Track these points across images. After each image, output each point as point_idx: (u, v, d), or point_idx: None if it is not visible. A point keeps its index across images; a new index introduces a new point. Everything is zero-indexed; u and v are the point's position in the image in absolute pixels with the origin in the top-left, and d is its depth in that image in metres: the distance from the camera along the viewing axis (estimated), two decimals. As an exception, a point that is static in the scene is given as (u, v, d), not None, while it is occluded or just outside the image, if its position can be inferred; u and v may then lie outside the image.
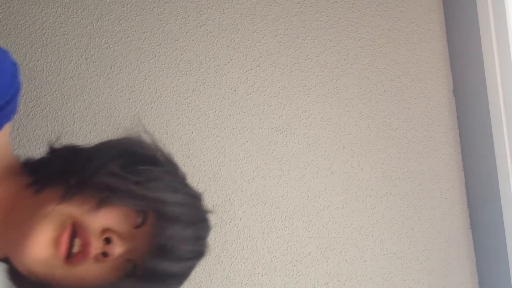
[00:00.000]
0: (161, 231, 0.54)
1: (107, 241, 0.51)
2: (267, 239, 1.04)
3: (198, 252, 0.61)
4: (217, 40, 1.06)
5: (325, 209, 1.06)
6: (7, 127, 0.57)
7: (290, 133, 1.06)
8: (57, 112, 1.00)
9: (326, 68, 1.08)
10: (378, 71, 1.09)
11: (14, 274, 0.55)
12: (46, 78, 1.01)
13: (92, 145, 0.59)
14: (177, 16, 1.05)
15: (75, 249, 0.51)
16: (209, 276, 1.02)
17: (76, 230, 0.51)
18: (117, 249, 0.51)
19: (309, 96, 1.07)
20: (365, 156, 1.07)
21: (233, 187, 1.04)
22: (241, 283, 1.03)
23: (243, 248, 1.03)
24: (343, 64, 1.08)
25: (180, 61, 1.05)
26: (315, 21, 1.09)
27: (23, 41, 1.01)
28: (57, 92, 1.01)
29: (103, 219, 0.52)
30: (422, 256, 1.07)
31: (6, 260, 0.55)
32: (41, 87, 1.00)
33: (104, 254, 0.51)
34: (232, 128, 1.05)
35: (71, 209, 0.51)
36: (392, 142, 1.08)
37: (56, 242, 0.50)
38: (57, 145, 0.59)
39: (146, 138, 0.59)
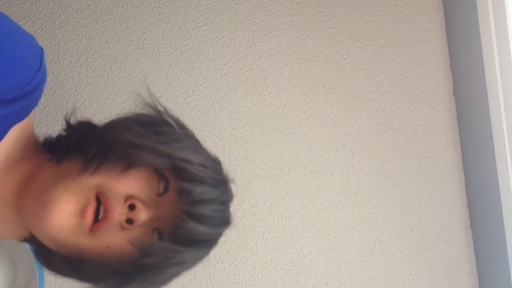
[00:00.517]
0: (186, 194, 0.53)
1: (131, 207, 0.51)
2: (267, 239, 1.04)
3: (223, 217, 0.60)
4: (217, 40, 1.06)
5: (325, 209, 1.06)
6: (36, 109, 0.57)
7: (290, 133, 1.06)
8: (57, 112, 1.00)
9: (326, 68, 1.08)
10: (378, 71, 1.09)
11: (41, 252, 0.55)
12: (46, 78, 1.01)
13: (105, 121, 0.59)
14: (177, 16, 1.05)
15: (100, 216, 0.50)
16: (209, 276, 1.02)
17: (100, 199, 0.50)
18: (142, 215, 0.50)
19: (309, 96, 1.07)
20: (365, 156, 1.07)
21: (233, 187, 1.04)
22: (241, 283, 1.03)
23: (243, 248, 1.03)
24: (343, 64, 1.08)
25: (180, 61, 1.05)
26: (315, 21, 1.09)
27: (23, 41, 1.01)
28: (57, 92, 1.01)
29: (125, 187, 0.51)
30: (422, 256, 1.07)
31: (31, 240, 0.55)
32: (41, 87, 1.00)
33: (129, 221, 0.51)
34: (232, 128, 1.05)
35: (93, 179, 0.51)
36: (392, 142, 1.08)
37: (81, 213, 0.49)
38: (73, 120, 0.59)
39: (159, 108, 0.59)
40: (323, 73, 1.08)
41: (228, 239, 1.03)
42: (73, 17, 1.02)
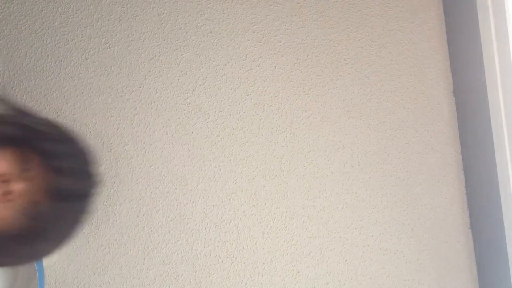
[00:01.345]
0: (43, 157, 0.61)
1: (7, 181, 0.58)
2: (267, 239, 1.04)
3: (83, 170, 0.67)
4: (217, 40, 1.06)
5: (325, 209, 1.06)
6: None
7: (290, 133, 1.06)
8: (57, 112, 1.00)
9: (326, 68, 1.08)
10: (378, 71, 1.09)
11: None
12: (46, 78, 1.01)
13: None
14: (177, 16, 1.05)
15: None
16: (209, 276, 1.02)
17: None
18: (15, 185, 0.58)
19: (309, 96, 1.07)
20: (365, 156, 1.07)
21: (233, 187, 1.04)
22: (241, 283, 1.03)
23: (243, 248, 1.03)
24: (343, 64, 1.08)
25: (180, 61, 1.05)
26: (315, 21, 1.09)
27: (23, 41, 1.01)
28: (57, 92, 1.01)
29: None
30: (422, 256, 1.07)
31: None
32: (41, 87, 1.00)
33: (6, 193, 0.58)
34: (232, 128, 1.05)
35: None
36: (392, 142, 1.08)
37: None
38: None
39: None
40: (323, 73, 1.08)
41: (228, 239, 1.03)
42: (73, 17, 1.02)
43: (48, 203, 0.59)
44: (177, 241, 1.03)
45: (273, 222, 1.04)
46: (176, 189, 1.03)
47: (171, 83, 1.04)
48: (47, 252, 0.65)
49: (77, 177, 0.63)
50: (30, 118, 0.65)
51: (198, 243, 1.03)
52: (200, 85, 1.05)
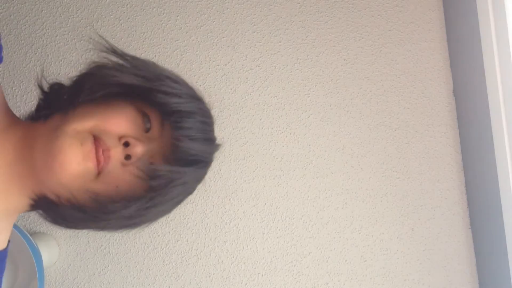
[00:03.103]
0: (168, 116, 0.57)
1: (126, 145, 0.55)
2: (267, 239, 1.04)
3: (209, 134, 0.64)
4: (217, 40, 1.06)
5: (325, 209, 1.06)
6: None
7: (290, 133, 1.06)
8: (57, 112, 1.00)
9: (326, 68, 1.08)
10: (378, 71, 1.09)
11: (53, 212, 0.58)
12: (46, 78, 1.01)
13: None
14: (177, 16, 1.05)
15: (100, 158, 0.54)
16: (209, 276, 1.02)
17: (97, 142, 0.54)
18: (138, 149, 0.55)
19: (309, 96, 1.07)
20: (365, 156, 1.07)
21: (233, 187, 1.04)
22: (241, 283, 1.03)
23: (243, 248, 1.03)
24: (343, 64, 1.08)
25: (180, 61, 1.05)
26: (315, 21, 1.09)
27: (23, 41, 1.01)
28: (57, 92, 1.01)
29: (116, 127, 0.55)
30: (422, 256, 1.07)
31: (38, 205, 0.58)
32: (41, 87, 1.00)
33: (127, 157, 0.55)
34: (232, 128, 1.05)
35: (86, 124, 0.54)
36: (392, 142, 1.08)
37: (86, 156, 0.53)
38: (45, 84, 0.63)
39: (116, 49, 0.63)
40: (323, 73, 1.08)
41: (228, 239, 1.03)
42: (73, 17, 1.02)
43: (169, 167, 0.56)
44: (177, 241, 1.03)
45: (273, 222, 1.04)
46: (176, 189, 1.03)
47: (171, 83, 1.04)
48: (155, 218, 0.62)
49: (200, 140, 0.59)
50: (152, 68, 0.60)
51: (198, 243, 1.03)
52: (200, 85, 1.05)
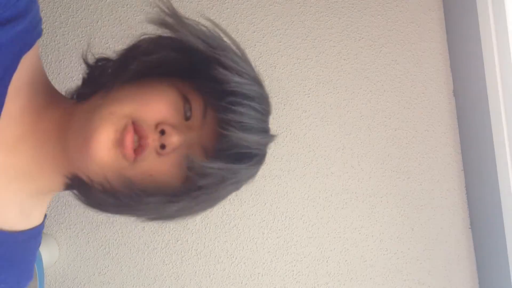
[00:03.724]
0: (222, 93, 0.50)
1: (162, 133, 0.50)
2: (267, 239, 1.04)
3: (265, 124, 0.56)
4: (217, 40, 1.06)
5: (325, 209, 1.06)
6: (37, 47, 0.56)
7: (290, 133, 1.06)
8: (57, 112, 1.00)
9: (326, 68, 1.08)
10: (378, 71, 1.09)
11: (86, 194, 0.54)
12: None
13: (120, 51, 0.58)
14: (177, 16, 1.05)
15: (135, 145, 0.50)
16: (209, 276, 1.02)
17: (133, 127, 0.50)
18: (173, 139, 0.50)
19: (309, 96, 1.07)
20: (365, 156, 1.07)
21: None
22: (241, 283, 1.03)
23: (243, 248, 1.03)
24: (343, 64, 1.08)
25: (180, 61, 1.05)
26: (315, 21, 1.09)
27: (23, 41, 1.01)
28: (57, 92, 1.01)
29: (154, 113, 0.51)
30: (422, 256, 1.07)
31: (73, 185, 0.55)
32: (41, 87, 1.00)
33: (162, 146, 0.50)
34: (232, 128, 1.05)
35: (124, 108, 0.51)
36: (392, 142, 1.08)
37: (120, 142, 0.49)
38: (90, 58, 0.58)
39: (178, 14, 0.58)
40: (323, 73, 1.08)
41: (228, 239, 1.03)
42: (73, 17, 1.02)
43: (221, 164, 0.50)
44: (177, 241, 1.03)
45: (273, 222, 1.04)
46: (176, 189, 1.03)
47: (171, 83, 1.04)
48: (195, 214, 0.56)
49: (255, 130, 0.52)
50: (217, 36, 0.53)
51: (198, 243, 1.03)
52: (200, 85, 1.05)
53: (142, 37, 0.57)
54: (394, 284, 1.06)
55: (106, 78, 0.54)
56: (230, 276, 1.03)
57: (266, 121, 0.56)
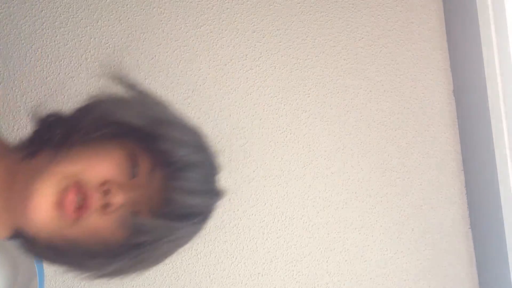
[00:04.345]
0: (168, 164, 0.52)
1: (107, 192, 0.51)
2: (267, 239, 1.04)
3: (212, 185, 0.58)
4: (217, 40, 1.06)
5: (325, 209, 1.06)
6: None
7: (290, 133, 1.06)
8: (57, 112, 1.00)
9: (326, 68, 1.08)
10: (378, 71, 1.09)
11: (29, 246, 0.56)
12: (46, 78, 1.01)
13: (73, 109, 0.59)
14: (177, 16, 1.05)
15: (79, 204, 0.51)
16: (209, 276, 1.02)
17: (76, 187, 0.51)
18: (118, 198, 0.51)
19: (309, 96, 1.07)
20: (365, 156, 1.07)
21: (233, 187, 1.04)
22: (241, 283, 1.03)
23: (243, 248, 1.03)
24: (343, 64, 1.08)
25: (180, 61, 1.05)
26: (315, 21, 1.09)
27: (23, 41, 1.01)
28: (57, 92, 1.01)
29: (99, 172, 0.52)
30: (422, 256, 1.07)
31: (18, 235, 0.56)
32: (41, 87, 1.00)
33: (106, 205, 0.51)
34: (232, 128, 1.05)
35: (68, 168, 0.51)
36: (392, 142, 1.08)
37: (61, 204, 0.50)
38: (40, 115, 0.59)
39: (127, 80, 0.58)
40: (323, 73, 1.08)
41: (228, 239, 1.03)
42: (73, 17, 1.02)
43: (156, 222, 0.51)
44: (177, 241, 1.03)
45: (273, 222, 1.04)
46: (176, 189, 1.03)
47: (171, 83, 1.04)
48: (143, 270, 0.57)
49: (199, 193, 0.54)
50: (159, 109, 0.55)
51: (198, 243, 1.03)
52: (200, 85, 1.05)
53: (93, 99, 0.58)
54: (394, 284, 1.06)
55: (54, 137, 0.55)
56: (230, 276, 1.03)
57: (211, 182, 0.57)
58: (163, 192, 0.52)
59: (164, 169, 0.52)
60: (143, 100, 0.56)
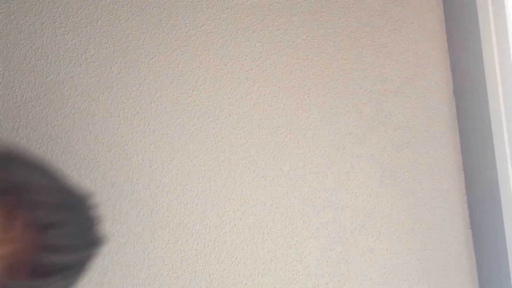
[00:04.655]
0: (32, 224, 0.52)
1: None
2: (267, 239, 1.04)
3: (80, 240, 0.58)
4: (217, 40, 1.06)
5: (325, 209, 1.06)
6: None
7: (290, 133, 1.06)
8: (57, 112, 1.00)
9: (326, 68, 1.08)
10: (378, 71, 1.09)
11: None
12: (46, 78, 1.01)
13: None
14: (177, 16, 1.05)
15: None
16: (209, 276, 1.02)
17: None
18: None
19: (309, 96, 1.07)
20: (365, 156, 1.07)
21: (233, 187, 1.04)
22: (241, 283, 1.03)
23: (243, 248, 1.03)
24: (343, 64, 1.08)
25: (180, 61, 1.05)
26: (315, 21, 1.09)
27: (23, 41, 1.01)
28: (57, 92, 1.01)
29: None
30: (422, 256, 1.07)
31: None
32: (41, 87, 1.00)
33: None
34: (232, 128, 1.05)
35: None
36: (392, 142, 1.08)
37: None
38: None
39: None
40: (323, 73, 1.08)
41: (228, 239, 1.03)
42: (73, 17, 1.02)
43: (28, 275, 0.51)
44: (177, 241, 1.03)
45: (273, 222, 1.04)
46: (176, 189, 1.03)
47: (171, 83, 1.04)
48: None
49: (64, 252, 0.54)
50: (24, 164, 0.56)
51: (198, 243, 1.03)
52: (200, 85, 1.05)
53: None
54: (394, 284, 1.06)
55: None
56: (230, 276, 1.03)
57: (80, 237, 0.57)
58: (30, 251, 0.52)
59: (33, 229, 0.52)
60: (5, 163, 0.56)
